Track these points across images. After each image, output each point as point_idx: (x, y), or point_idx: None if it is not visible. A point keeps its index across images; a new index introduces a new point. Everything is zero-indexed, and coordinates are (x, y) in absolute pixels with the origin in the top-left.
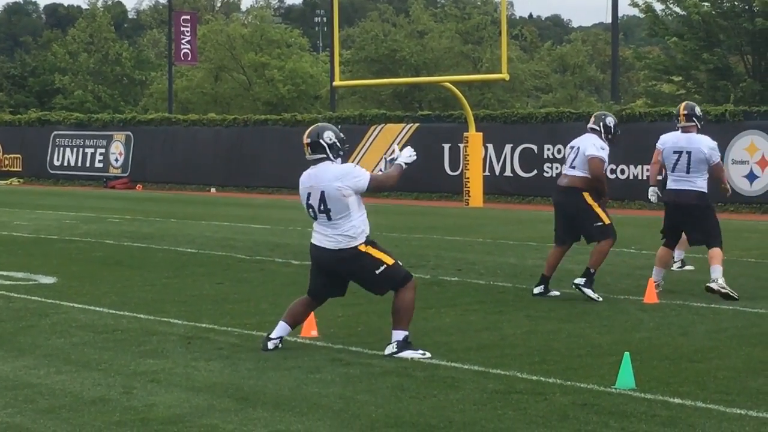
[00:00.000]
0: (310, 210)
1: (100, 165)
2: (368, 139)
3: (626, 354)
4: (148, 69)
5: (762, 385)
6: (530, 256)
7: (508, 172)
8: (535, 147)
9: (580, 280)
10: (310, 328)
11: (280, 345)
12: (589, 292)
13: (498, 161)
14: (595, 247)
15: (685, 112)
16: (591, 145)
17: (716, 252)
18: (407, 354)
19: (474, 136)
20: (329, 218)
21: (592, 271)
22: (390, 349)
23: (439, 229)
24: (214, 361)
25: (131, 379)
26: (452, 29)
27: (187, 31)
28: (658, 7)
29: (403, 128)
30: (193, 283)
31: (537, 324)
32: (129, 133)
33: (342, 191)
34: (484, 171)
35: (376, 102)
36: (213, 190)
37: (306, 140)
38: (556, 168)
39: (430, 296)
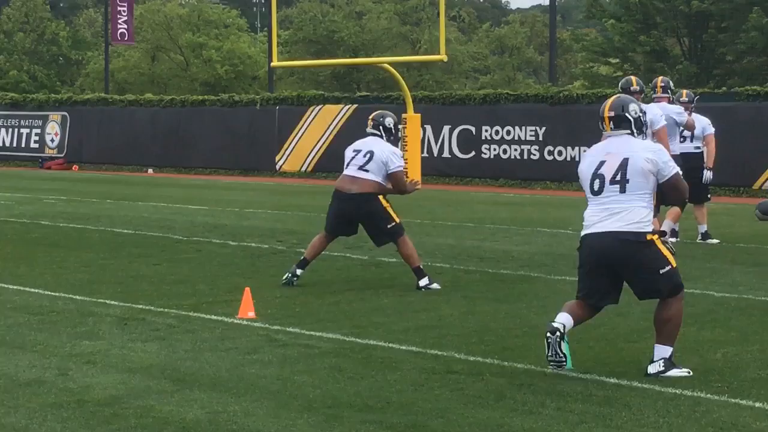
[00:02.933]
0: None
1: (36, 145)
2: (306, 120)
3: None
4: (85, 49)
5: (697, 364)
6: (468, 237)
7: (446, 154)
8: (473, 128)
9: (423, 282)
10: (247, 309)
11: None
12: (434, 285)
13: (436, 142)
14: (401, 249)
15: (662, 84)
16: (391, 156)
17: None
18: (674, 373)
19: (412, 118)
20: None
21: (420, 266)
22: (655, 368)
23: None
24: (151, 343)
25: (67, 361)
26: (391, 10)
27: (124, 11)
28: None
29: (342, 109)
30: (129, 264)
31: (474, 305)
32: (65, 113)
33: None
34: (422, 152)
35: (314, 83)
36: (150, 170)
37: (609, 114)
38: (494, 149)
39: (368, 277)
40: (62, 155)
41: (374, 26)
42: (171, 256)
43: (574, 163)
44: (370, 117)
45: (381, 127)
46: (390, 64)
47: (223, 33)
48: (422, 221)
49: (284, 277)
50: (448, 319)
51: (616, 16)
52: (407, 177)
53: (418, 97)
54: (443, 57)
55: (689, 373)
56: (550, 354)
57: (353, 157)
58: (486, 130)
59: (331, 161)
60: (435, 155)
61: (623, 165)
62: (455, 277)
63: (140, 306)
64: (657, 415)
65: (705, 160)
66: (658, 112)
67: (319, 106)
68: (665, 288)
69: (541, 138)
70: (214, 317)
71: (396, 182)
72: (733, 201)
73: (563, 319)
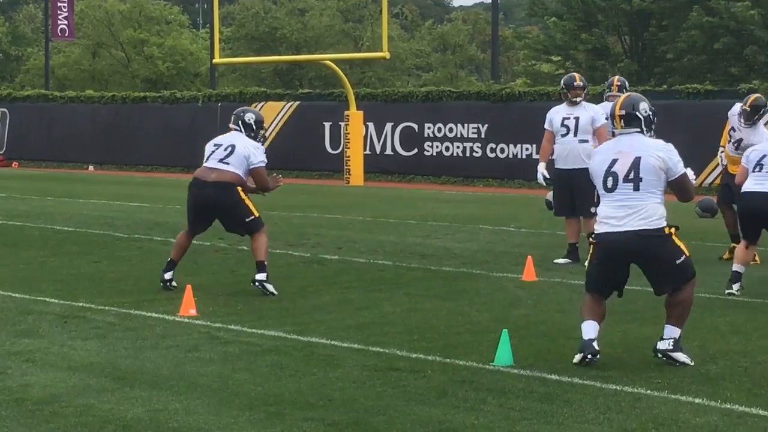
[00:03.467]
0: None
1: None
2: None
3: (504, 331)
4: (25, 45)
5: (637, 361)
6: (410, 234)
7: (388, 151)
8: (415, 126)
9: (261, 276)
10: (188, 307)
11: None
12: (269, 287)
13: (379, 140)
14: (254, 242)
15: (619, 83)
16: (253, 150)
17: None
18: (680, 356)
19: (354, 115)
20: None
21: (264, 261)
22: (665, 345)
23: (320, 208)
24: (91, 341)
25: (6, 359)
26: (333, 7)
27: (65, 7)
28: None
29: (284, 106)
30: (70, 261)
31: (416, 302)
32: (4, 109)
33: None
34: (364, 149)
35: (256, 80)
36: (91, 167)
37: (620, 112)
38: (437, 147)
39: (310, 274)
40: (2, 152)
41: (317, 23)
42: (112, 253)
43: (517, 161)
44: (233, 112)
45: (241, 122)
46: (332, 61)
47: (164, 29)
48: (364, 218)
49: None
50: (390, 317)
51: (558, 14)
52: (274, 174)
53: (360, 94)
54: (386, 54)
55: (691, 362)
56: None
57: (213, 151)
58: (428, 128)
59: (273, 158)
60: (377, 153)
61: (636, 163)
62: (397, 275)
63: (81, 304)
64: (598, 412)
65: None
66: (600, 111)
67: (262, 103)
68: (682, 277)
69: (483, 135)
70: (155, 315)
71: (258, 178)
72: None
73: (595, 332)
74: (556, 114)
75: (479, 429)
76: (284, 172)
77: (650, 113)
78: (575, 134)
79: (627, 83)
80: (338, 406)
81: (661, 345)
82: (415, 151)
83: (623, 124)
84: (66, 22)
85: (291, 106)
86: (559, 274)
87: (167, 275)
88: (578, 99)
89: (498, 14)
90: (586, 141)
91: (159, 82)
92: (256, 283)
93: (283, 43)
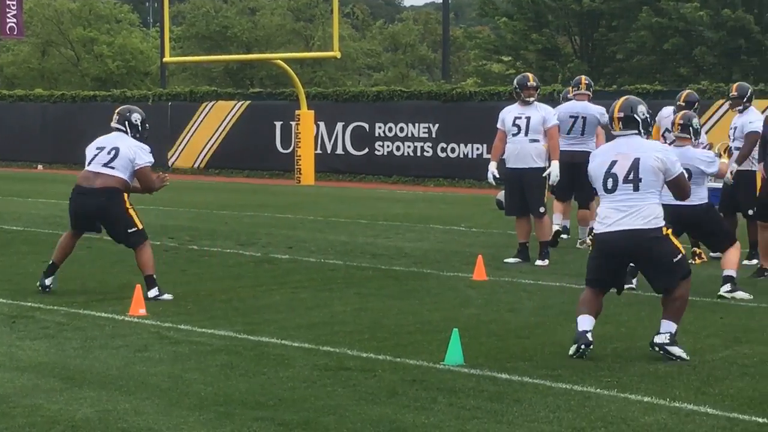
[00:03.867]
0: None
1: None
2: (199, 116)
3: (455, 330)
4: None
5: (587, 359)
6: (361, 233)
7: (339, 150)
8: (366, 125)
9: (152, 293)
10: (138, 307)
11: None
12: (165, 296)
13: (329, 139)
14: (138, 256)
15: (586, 82)
16: (138, 151)
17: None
18: (676, 350)
19: (305, 114)
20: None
21: (153, 275)
22: (661, 338)
23: (271, 207)
24: (40, 341)
25: None
26: (284, 6)
27: (13, 5)
28: None
29: (235, 105)
30: (18, 261)
31: (367, 301)
32: None
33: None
34: (315, 149)
35: (206, 79)
36: (40, 167)
37: (618, 114)
38: (388, 146)
39: (261, 274)
40: None
41: (267, 22)
42: None
43: (467, 160)
44: (117, 111)
45: (127, 123)
46: (283, 60)
47: (114, 28)
48: (315, 218)
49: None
50: (341, 316)
51: (509, 15)
52: (160, 173)
53: (311, 93)
54: (337, 54)
55: (687, 357)
56: (579, 356)
57: (96, 155)
58: (379, 127)
59: (224, 158)
60: (328, 152)
61: (635, 165)
62: (348, 274)
63: (29, 304)
64: (548, 410)
65: None
66: (551, 111)
67: (212, 103)
68: (679, 274)
69: (434, 135)
70: (104, 315)
71: (143, 179)
72: None
73: (590, 325)
74: (508, 113)
75: (429, 428)
76: (235, 171)
77: (647, 115)
78: (526, 134)
79: (593, 84)
80: (288, 406)
81: (658, 339)
82: (366, 150)
83: (621, 126)
84: (15, 20)
85: (242, 105)
86: (510, 274)
87: (47, 281)
88: (531, 99)
89: (449, 14)
90: (536, 141)
91: (109, 81)
92: (150, 301)
93: (234, 43)
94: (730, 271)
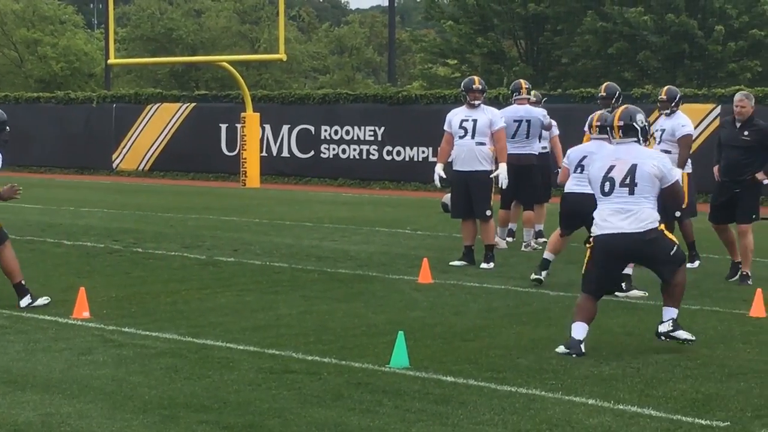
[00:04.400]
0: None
1: None
2: (144, 118)
3: (400, 333)
4: None
5: (532, 362)
6: (306, 236)
7: (285, 153)
8: (312, 128)
9: (24, 301)
10: (81, 309)
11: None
12: (39, 301)
13: (275, 142)
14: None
15: (527, 86)
16: None
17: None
18: (681, 333)
19: (251, 117)
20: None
21: (22, 282)
22: (665, 327)
23: (216, 210)
24: None
25: None
26: (230, 8)
27: None
28: None
29: (180, 108)
30: None
31: (312, 304)
32: None
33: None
34: (261, 151)
35: (152, 81)
36: None
37: (618, 123)
38: (333, 149)
39: (206, 277)
40: None
41: (213, 24)
42: None
43: (413, 163)
44: None
45: None
46: (229, 62)
47: (58, 29)
48: (261, 221)
49: None
50: (286, 319)
51: (455, 18)
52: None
53: (257, 96)
54: (282, 56)
55: (694, 338)
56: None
57: None
58: (325, 130)
59: (168, 160)
60: (274, 155)
61: (632, 170)
62: (293, 277)
63: None
64: (492, 413)
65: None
66: (499, 114)
67: (157, 105)
68: (677, 263)
69: (380, 138)
70: (47, 318)
71: None
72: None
73: (584, 334)
74: (455, 116)
75: (375, 431)
76: (180, 173)
77: (645, 124)
78: (473, 136)
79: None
80: (233, 409)
81: (662, 328)
82: (312, 153)
83: (621, 134)
84: None
85: (187, 107)
86: (455, 277)
87: None
88: (477, 102)
89: (395, 17)
90: (483, 144)
91: (53, 83)
92: (25, 313)
93: (179, 45)
94: (626, 270)
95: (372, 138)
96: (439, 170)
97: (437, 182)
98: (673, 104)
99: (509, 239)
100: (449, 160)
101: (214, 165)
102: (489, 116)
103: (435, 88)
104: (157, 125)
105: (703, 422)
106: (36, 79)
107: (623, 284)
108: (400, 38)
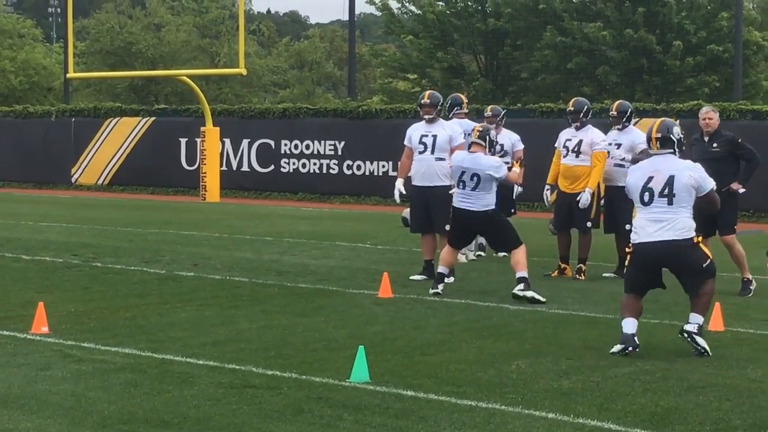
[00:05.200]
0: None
1: None
2: (103, 132)
3: (360, 347)
4: None
5: (492, 376)
6: (267, 250)
7: (245, 167)
8: (272, 142)
9: None
10: (40, 324)
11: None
12: None
13: (235, 156)
14: None
15: (466, 101)
16: None
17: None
18: (701, 341)
19: (211, 131)
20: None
21: None
22: (691, 327)
23: (175, 224)
24: None
25: None
26: (190, 23)
27: None
28: (395, 5)
29: (139, 122)
30: None
31: (272, 318)
32: None
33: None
34: (221, 166)
35: (111, 95)
36: None
37: (656, 135)
38: (293, 163)
39: (165, 291)
40: None
41: (173, 39)
42: None
43: (373, 178)
44: None
45: None
46: (189, 77)
47: (17, 43)
48: (220, 235)
49: None
50: (246, 333)
51: (414, 33)
52: None
53: (217, 110)
54: (242, 71)
55: (710, 352)
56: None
57: None
58: (285, 144)
59: (128, 174)
60: (234, 169)
61: (670, 181)
62: (253, 291)
63: None
64: (453, 427)
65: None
66: (458, 129)
67: (117, 119)
68: (707, 276)
69: (340, 152)
70: (6, 333)
71: None
72: (527, 216)
73: (634, 328)
74: (415, 131)
75: None
76: (140, 188)
77: (681, 136)
78: (432, 152)
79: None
80: (193, 424)
81: (688, 327)
82: (272, 167)
83: (659, 146)
84: None
85: (146, 121)
86: (415, 291)
87: None
88: (428, 117)
89: (355, 31)
90: (442, 159)
91: (11, 97)
92: None
93: (139, 59)
94: (521, 273)
95: (332, 152)
96: (399, 186)
97: (397, 198)
98: (624, 119)
99: (481, 254)
100: (409, 174)
101: (173, 179)
102: (449, 132)
103: (395, 102)
104: (116, 139)
105: None
106: None
107: (522, 284)
108: (360, 53)
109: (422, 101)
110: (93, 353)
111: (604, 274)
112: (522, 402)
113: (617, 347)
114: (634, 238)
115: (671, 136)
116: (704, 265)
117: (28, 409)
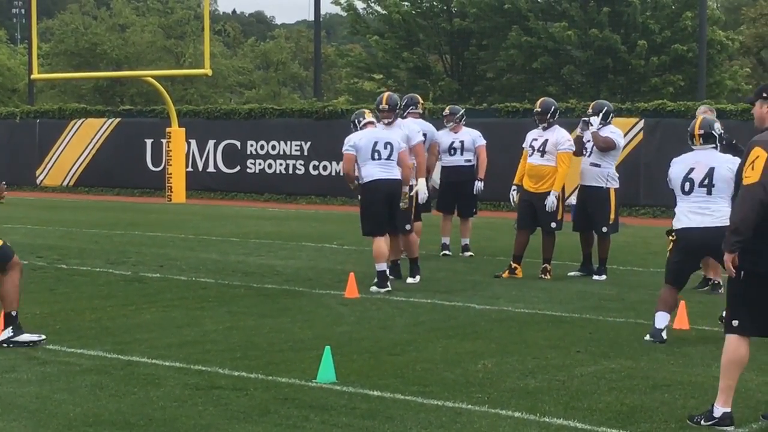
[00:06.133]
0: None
1: None
2: (68, 133)
3: (327, 348)
4: None
5: (458, 376)
6: (233, 251)
7: (211, 168)
8: (238, 143)
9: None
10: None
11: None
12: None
13: (201, 157)
14: None
15: (422, 102)
16: None
17: None
18: None
19: (176, 132)
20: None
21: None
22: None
23: (141, 225)
24: None
25: None
26: (155, 23)
27: None
28: (360, 5)
29: (105, 123)
30: None
31: (239, 320)
32: None
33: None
34: (186, 166)
35: (76, 96)
36: None
37: (699, 132)
38: (259, 164)
39: (131, 293)
40: None
41: (138, 39)
42: None
43: (339, 178)
44: None
45: None
46: (154, 77)
47: None
48: (186, 236)
49: None
50: (212, 335)
51: (380, 33)
52: None
53: (182, 111)
54: (208, 71)
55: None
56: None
57: None
58: (251, 145)
59: (93, 175)
60: (200, 170)
61: (710, 173)
62: (219, 292)
63: None
64: (419, 427)
65: (476, 172)
66: (416, 128)
67: (82, 120)
68: None
69: (306, 153)
70: None
71: None
72: (493, 215)
73: (664, 323)
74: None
75: None
76: (105, 189)
77: (721, 131)
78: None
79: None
80: (159, 426)
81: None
82: (238, 168)
83: (702, 141)
84: None
85: (112, 122)
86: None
87: None
88: (387, 121)
89: (320, 32)
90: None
91: None
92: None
93: (104, 59)
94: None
95: (298, 153)
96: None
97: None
98: (548, 116)
99: (447, 252)
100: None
101: (139, 180)
102: (405, 132)
103: (361, 102)
104: (81, 140)
105: None
106: None
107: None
108: (326, 53)
109: (380, 106)
110: (58, 355)
111: (569, 273)
112: (488, 401)
113: (647, 337)
114: (677, 225)
115: (713, 132)
116: None
117: None
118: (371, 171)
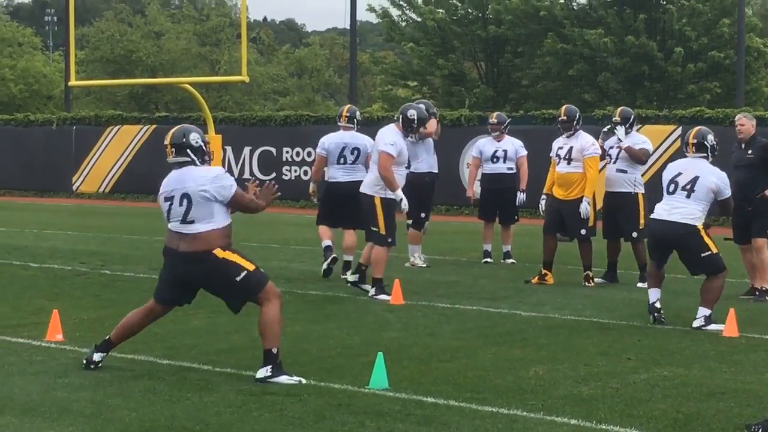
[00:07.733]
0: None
1: None
2: (104, 140)
3: (379, 354)
4: None
5: (510, 383)
6: (274, 258)
7: (247, 174)
8: (274, 150)
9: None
10: (55, 332)
11: None
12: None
13: (237, 163)
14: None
15: (348, 114)
16: None
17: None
18: (712, 327)
19: (213, 138)
20: None
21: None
22: (698, 323)
23: None
24: None
25: None
26: (190, 31)
27: None
28: (395, 12)
29: (140, 130)
30: None
31: (286, 326)
32: None
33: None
34: None
35: (111, 103)
36: None
37: (693, 141)
38: (295, 171)
39: None
40: None
41: (173, 46)
42: None
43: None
44: None
45: None
46: (191, 84)
47: (17, 51)
48: None
49: None
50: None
51: (415, 40)
52: None
53: (218, 117)
54: (245, 78)
55: (722, 329)
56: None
57: None
58: (287, 152)
59: (129, 182)
60: (236, 176)
61: (694, 180)
62: None
63: None
64: None
65: (518, 182)
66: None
67: (118, 127)
68: (707, 268)
69: None
70: (21, 340)
71: None
72: (531, 222)
73: (657, 296)
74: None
75: None
76: (141, 195)
77: (714, 143)
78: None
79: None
80: (215, 431)
81: (695, 323)
82: (274, 174)
83: (694, 150)
84: None
85: (147, 129)
86: (426, 297)
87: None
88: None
89: (356, 39)
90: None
91: (11, 105)
92: None
93: (139, 66)
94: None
95: None
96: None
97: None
98: (575, 123)
99: (488, 259)
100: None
101: None
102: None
103: (395, 109)
104: (117, 147)
105: None
106: None
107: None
108: (360, 60)
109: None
110: (109, 360)
111: (595, 280)
112: (543, 408)
113: (651, 317)
114: (652, 215)
115: (705, 142)
116: (703, 255)
117: (49, 417)
118: (334, 173)
